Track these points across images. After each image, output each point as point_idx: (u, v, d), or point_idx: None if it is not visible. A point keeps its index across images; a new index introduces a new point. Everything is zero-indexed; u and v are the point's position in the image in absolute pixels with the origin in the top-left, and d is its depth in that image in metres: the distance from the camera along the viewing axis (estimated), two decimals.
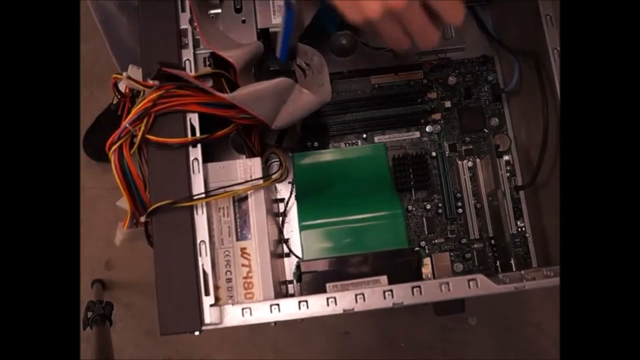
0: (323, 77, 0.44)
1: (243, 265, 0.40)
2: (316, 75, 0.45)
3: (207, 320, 0.36)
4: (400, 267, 0.41)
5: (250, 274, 0.39)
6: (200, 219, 0.37)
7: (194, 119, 0.39)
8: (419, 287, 0.36)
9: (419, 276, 0.42)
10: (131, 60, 0.41)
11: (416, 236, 0.52)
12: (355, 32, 0.51)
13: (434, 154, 0.54)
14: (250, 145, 0.46)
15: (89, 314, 0.74)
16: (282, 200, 0.51)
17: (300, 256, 0.47)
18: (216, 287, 0.38)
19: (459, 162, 0.54)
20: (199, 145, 0.38)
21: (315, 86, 0.44)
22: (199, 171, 0.38)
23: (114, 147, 0.37)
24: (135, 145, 0.38)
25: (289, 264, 0.50)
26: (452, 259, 0.52)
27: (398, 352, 0.86)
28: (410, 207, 0.53)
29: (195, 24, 0.40)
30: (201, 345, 0.88)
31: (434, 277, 0.50)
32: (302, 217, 0.47)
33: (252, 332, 0.88)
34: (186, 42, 0.41)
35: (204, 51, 0.42)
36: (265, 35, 0.45)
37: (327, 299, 0.36)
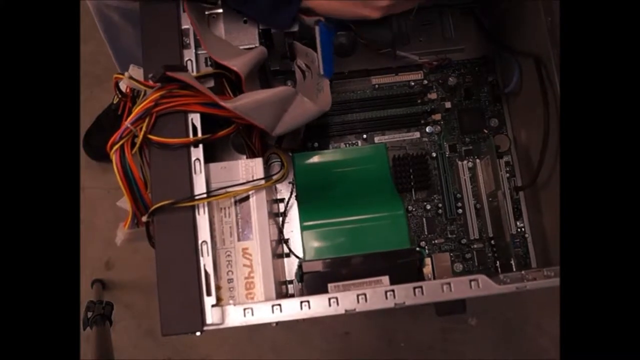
0: (323, 81, 0.44)
1: (244, 265, 0.40)
2: (315, 78, 0.45)
3: (208, 320, 0.36)
4: (402, 267, 0.41)
5: (251, 274, 0.39)
6: (202, 219, 0.37)
7: (195, 119, 0.39)
8: (421, 287, 0.36)
9: (420, 276, 0.42)
10: (133, 63, 0.41)
11: (416, 236, 0.52)
12: (355, 31, 0.51)
13: (434, 154, 0.54)
14: (251, 145, 0.46)
15: (89, 314, 0.74)
16: (282, 200, 0.51)
17: (302, 256, 0.47)
18: (217, 288, 0.38)
19: (459, 163, 0.54)
20: (200, 146, 0.38)
21: (315, 90, 0.44)
22: (200, 171, 0.38)
23: (115, 147, 0.37)
24: (137, 145, 0.38)
25: (290, 264, 0.50)
26: (452, 259, 0.52)
27: (398, 352, 0.86)
28: (410, 208, 0.53)
29: (198, 37, 0.40)
30: (201, 346, 0.87)
31: (434, 277, 0.50)
32: (303, 217, 0.47)
33: (252, 332, 0.88)
34: (188, 42, 0.41)
35: (205, 51, 0.42)
36: (267, 36, 0.45)
37: (329, 299, 0.36)
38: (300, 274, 0.42)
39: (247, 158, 0.45)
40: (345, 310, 0.36)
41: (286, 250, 0.50)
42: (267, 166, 0.48)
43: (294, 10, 0.41)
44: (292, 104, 0.41)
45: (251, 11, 0.42)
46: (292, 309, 0.36)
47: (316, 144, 0.54)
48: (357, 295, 0.36)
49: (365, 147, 0.54)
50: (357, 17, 0.40)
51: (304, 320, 0.37)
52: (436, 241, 0.52)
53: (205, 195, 0.38)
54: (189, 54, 0.40)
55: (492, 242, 0.52)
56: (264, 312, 0.36)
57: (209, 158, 0.41)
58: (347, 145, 0.54)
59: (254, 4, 0.41)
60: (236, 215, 0.40)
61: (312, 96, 0.43)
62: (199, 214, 0.37)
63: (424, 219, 0.53)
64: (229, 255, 0.40)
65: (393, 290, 0.36)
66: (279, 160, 0.49)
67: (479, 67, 0.56)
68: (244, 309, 0.36)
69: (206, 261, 0.37)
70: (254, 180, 0.41)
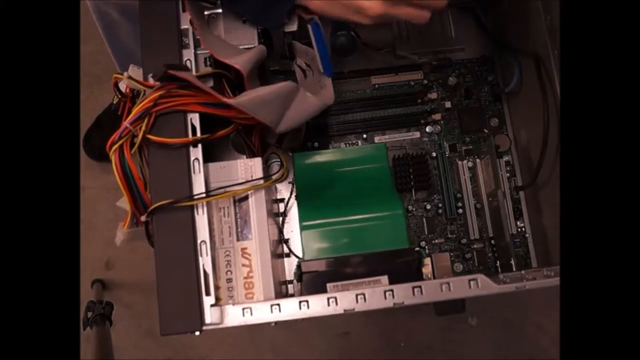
0: (325, 78, 0.44)
1: (243, 265, 0.40)
2: (317, 76, 0.45)
3: (207, 320, 0.36)
4: (401, 267, 0.41)
5: (250, 274, 0.39)
6: (201, 219, 0.37)
7: (194, 119, 0.39)
8: (420, 287, 0.36)
9: (419, 276, 0.42)
10: (132, 62, 0.41)
11: (416, 236, 0.52)
12: (355, 31, 0.51)
13: (434, 154, 0.54)
14: (250, 145, 0.46)
15: (89, 314, 0.74)
16: (282, 200, 0.51)
17: (301, 256, 0.47)
18: (217, 287, 0.38)
19: (459, 163, 0.54)
20: (199, 145, 0.38)
21: (317, 87, 0.44)
22: (199, 171, 0.38)
23: (114, 147, 0.37)
24: (136, 145, 0.38)
25: (289, 264, 0.50)
26: (452, 259, 0.52)
27: (398, 352, 0.86)
28: (410, 207, 0.53)
29: (198, 36, 0.40)
30: (200, 345, 0.88)
31: (434, 277, 0.50)
32: (302, 217, 0.47)
33: (251, 332, 0.88)
34: (187, 42, 0.41)
35: (204, 51, 0.42)
36: (266, 36, 0.45)
37: (328, 299, 0.36)
38: (299, 273, 0.42)
39: (246, 158, 0.45)
40: (344, 310, 0.36)
41: (286, 250, 0.50)
42: (266, 166, 0.48)
43: (284, 10, 0.41)
44: (295, 99, 0.41)
45: (242, 9, 0.42)
46: (291, 309, 0.36)
47: (316, 144, 0.54)
48: (356, 295, 0.36)
49: (365, 147, 0.54)
50: (349, 21, 0.40)
51: (303, 319, 0.37)
52: (436, 241, 0.52)
53: (204, 195, 0.38)
54: (188, 54, 0.40)
55: (492, 242, 0.52)
56: (263, 312, 0.36)
57: (209, 158, 0.41)
58: (347, 145, 0.54)
59: (245, 3, 0.41)
60: (235, 215, 0.40)
61: (314, 93, 0.43)
62: (197, 213, 0.37)
63: (424, 219, 0.53)
64: (228, 255, 0.40)
65: (392, 290, 0.36)
66: (278, 160, 0.49)
67: (479, 67, 0.56)
68: (243, 309, 0.36)
69: (205, 261, 0.37)
70: (252, 180, 0.41)
